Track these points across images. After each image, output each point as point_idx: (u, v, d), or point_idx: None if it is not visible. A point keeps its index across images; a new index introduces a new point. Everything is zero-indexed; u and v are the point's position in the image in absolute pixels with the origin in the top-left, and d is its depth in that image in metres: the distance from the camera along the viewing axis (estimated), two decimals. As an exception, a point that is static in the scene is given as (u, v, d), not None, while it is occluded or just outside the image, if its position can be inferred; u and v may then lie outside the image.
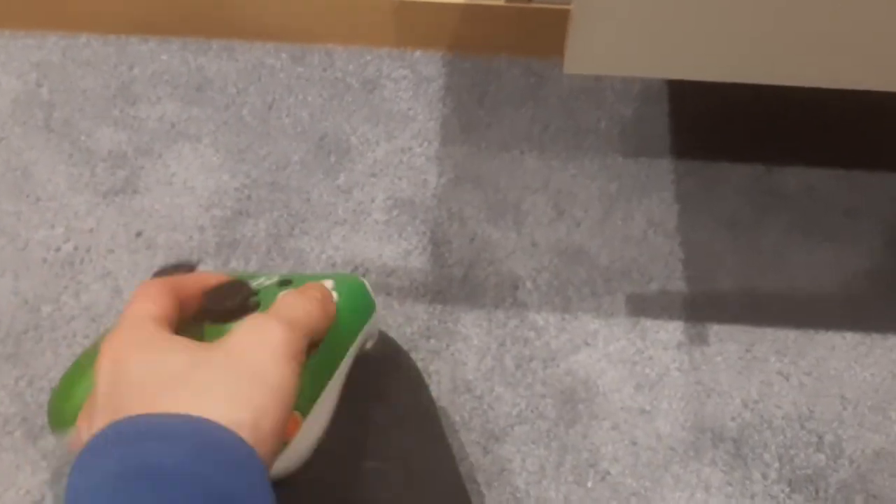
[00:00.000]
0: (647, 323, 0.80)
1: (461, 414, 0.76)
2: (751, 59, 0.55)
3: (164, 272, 0.46)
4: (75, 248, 0.83)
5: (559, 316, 0.81)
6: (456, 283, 0.82)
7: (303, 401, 0.42)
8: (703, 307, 0.81)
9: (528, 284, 0.82)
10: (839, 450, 0.75)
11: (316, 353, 0.43)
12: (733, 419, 0.76)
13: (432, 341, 0.80)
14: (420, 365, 0.78)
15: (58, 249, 0.83)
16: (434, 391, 0.77)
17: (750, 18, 0.52)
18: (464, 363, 0.79)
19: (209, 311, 0.42)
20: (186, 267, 0.47)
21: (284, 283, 0.46)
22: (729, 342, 0.80)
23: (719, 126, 0.91)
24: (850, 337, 0.80)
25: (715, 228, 0.85)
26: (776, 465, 0.74)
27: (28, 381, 0.77)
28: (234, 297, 0.42)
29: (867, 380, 0.78)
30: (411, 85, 0.94)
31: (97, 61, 0.95)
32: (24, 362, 0.77)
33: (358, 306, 0.49)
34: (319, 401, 0.44)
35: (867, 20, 0.52)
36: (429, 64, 0.95)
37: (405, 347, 0.80)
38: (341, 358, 0.46)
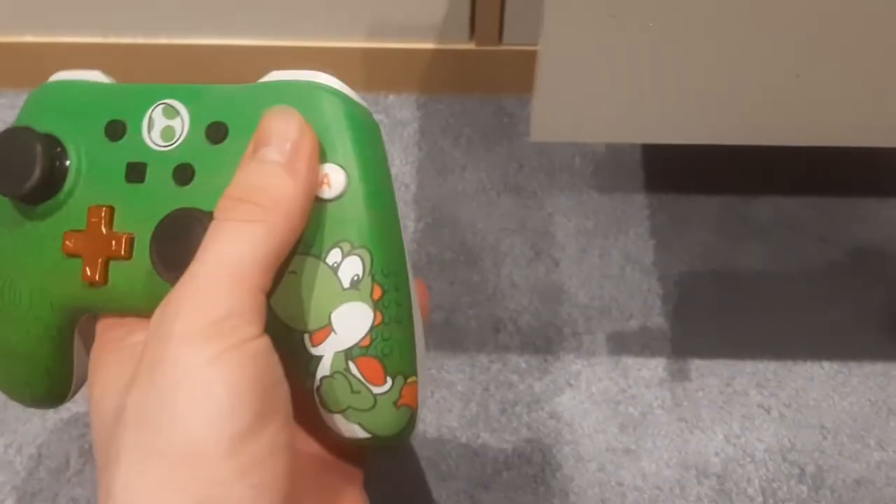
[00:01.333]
0: (629, 361, 0.81)
1: (447, 462, 0.77)
2: (726, 121, 0.56)
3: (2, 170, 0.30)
4: (58, 312, 0.83)
5: (541, 358, 0.81)
6: (437, 328, 0.83)
7: (402, 359, 0.29)
8: (682, 342, 0.82)
9: (510, 326, 0.83)
10: (820, 480, 0.76)
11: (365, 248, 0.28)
12: (716, 454, 0.77)
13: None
14: (406, 413, 0.79)
15: (41, 313, 0.83)
16: (419, 440, 0.78)
17: (723, 82, 0.53)
18: (449, 410, 0.79)
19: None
20: None
21: (213, 133, 0.30)
22: (709, 377, 0.81)
23: (692, 158, 0.92)
24: (828, 366, 0.81)
25: (690, 262, 0.87)
26: (759, 498, 0.75)
27: (17, 449, 0.77)
28: (186, 245, 0.27)
29: (846, 409, 0.79)
30: (386, 130, 0.94)
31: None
32: (10, 429, 0.78)
33: (369, 146, 0.31)
34: (418, 331, 0.31)
35: (848, 81, 0.53)
36: (402, 108, 0.96)
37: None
38: (400, 232, 0.31)
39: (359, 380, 0.29)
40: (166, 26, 0.93)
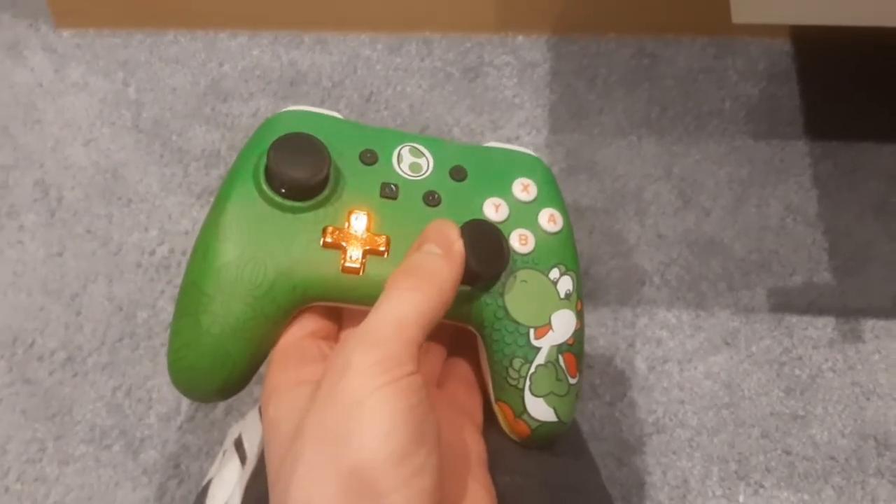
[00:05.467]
0: (793, 319, 0.73)
1: (590, 422, 0.70)
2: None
3: (292, 160, 0.34)
4: (170, 251, 0.79)
5: (693, 313, 0.73)
6: (576, 279, 0.76)
7: (583, 362, 0.38)
8: (854, 301, 0.73)
9: (657, 280, 0.75)
10: None
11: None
12: (899, 424, 0.68)
13: (554, 343, 0.73)
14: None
15: (152, 253, 0.79)
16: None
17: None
18: (590, 366, 0.72)
19: (476, 275, 0.35)
20: (315, 145, 0.34)
21: (456, 173, 0.38)
22: (886, 339, 0.72)
23: (855, 104, 0.83)
24: None
25: (861, 215, 0.77)
26: (952, 475, 0.66)
27: (126, 392, 0.72)
28: (496, 256, 0.35)
29: None
30: (515, 71, 0.88)
31: (185, 58, 0.91)
32: (120, 372, 0.73)
33: (565, 205, 0.40)
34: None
35: None
36: (532, 48, 0.89)
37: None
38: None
39: (563, 370, 0.36)
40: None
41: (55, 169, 0.83)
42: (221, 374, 0.35)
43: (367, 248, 0.34)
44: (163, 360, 0.74)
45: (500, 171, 0.38)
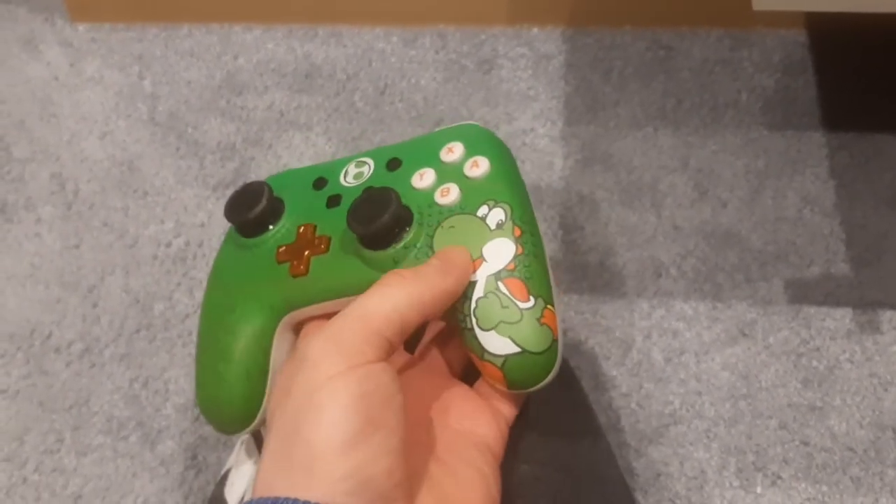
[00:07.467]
0: (811, 310, 0.72)
1: (607, 414, 0.69)
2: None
3: (237, 207, 0.39)
4: (186, 244, 0.79)
5: (710, 304, 0.73)
6: (592, 271, 0.76)
7: (541, 285, 0.36)
8: (871, 291, 0.73)
9: (673, 271, 0.75)
10: None
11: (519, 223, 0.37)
12: (918, 415, 0.68)
13: (570, 335, 0.73)
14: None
15: (168, 245, 0.79)
16: (575, 386, 0.70)
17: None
18: (606, 357, 0.72)
19: (359, 237, 0.37)
20: (255, 192, 0.39)
21: (391, 165, 0.40)
22: (904, 330, 0.71)
23: (872, 95, 0.83)
24: None
25: (877, 206, 0.77)
26: (971, 466, 0.66)
27: (143, 383, 0.73)
28: (378, 213, 0.36)
29: None
30: (530, 64, 0.87)
31: (200, 51, 0.91)
32: (137, 363, 0.73)
33: (505, 154, 0.41)
34: (551, 275, 0.37)
35: None
36: (547, 41, 0.89)
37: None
38: (535, 223, 0.38)
39: (507, 296, 0.35)
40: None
41: (71, 162, 0.84)
42: (221, 397, 0.40)
43: (308, 250, 0.38)
44: (179, 352, 0.74)
45: (431, 146, 0.40)
